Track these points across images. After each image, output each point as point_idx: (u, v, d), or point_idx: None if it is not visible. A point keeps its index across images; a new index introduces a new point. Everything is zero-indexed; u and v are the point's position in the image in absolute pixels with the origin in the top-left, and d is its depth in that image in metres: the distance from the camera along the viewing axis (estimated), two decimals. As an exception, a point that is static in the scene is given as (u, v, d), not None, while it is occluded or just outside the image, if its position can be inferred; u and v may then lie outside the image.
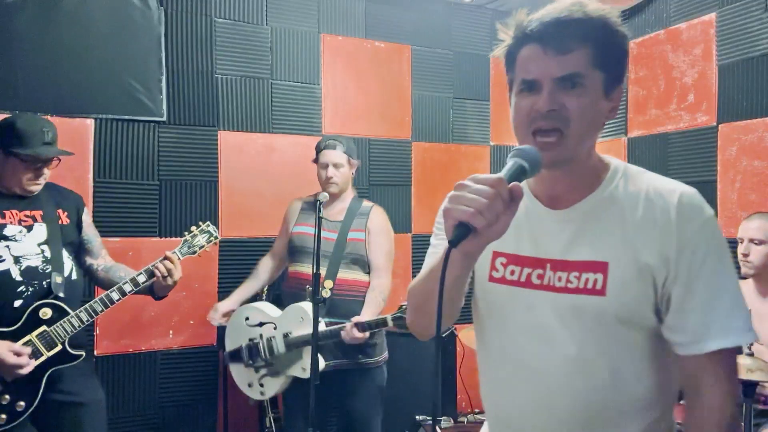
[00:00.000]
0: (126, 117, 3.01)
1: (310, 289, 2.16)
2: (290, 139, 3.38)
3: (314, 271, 2.04)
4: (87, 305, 2.05)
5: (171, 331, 3.12)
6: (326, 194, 2.37)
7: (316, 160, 2.61)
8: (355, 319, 2.34)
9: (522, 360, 1.04)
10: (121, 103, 2.99)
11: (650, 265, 0.95)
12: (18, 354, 1.91)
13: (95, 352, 2.91)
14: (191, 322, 3.16)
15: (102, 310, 2.07)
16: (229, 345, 2.65)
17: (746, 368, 1.78)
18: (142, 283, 2.12)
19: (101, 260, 2.28)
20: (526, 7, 1.03)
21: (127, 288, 2.10)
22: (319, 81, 3.46)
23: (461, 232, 0.82)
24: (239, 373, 2.62)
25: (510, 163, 0.89)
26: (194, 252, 2.28)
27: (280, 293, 2.78)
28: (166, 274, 2.10)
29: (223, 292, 3.23)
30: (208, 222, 2.36)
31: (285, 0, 3.37)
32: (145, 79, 3.03)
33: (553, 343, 1.00)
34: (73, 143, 2.78)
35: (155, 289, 2.17)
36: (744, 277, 2.50)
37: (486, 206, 0.81)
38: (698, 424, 0.98)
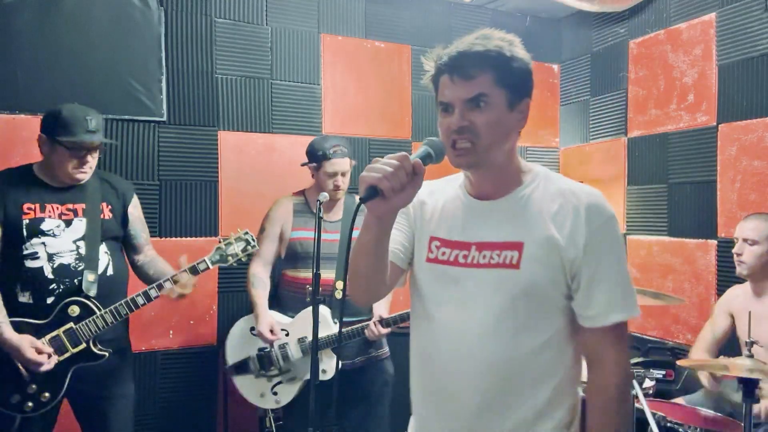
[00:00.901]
0: (126, 117, 3.01)
1: (310, 289, 2.16)
2: (290, 139, 3.37)
3: (314, 271, 2.04)
4: (113, 307, 2.08)
5: (171, 331, 3.12)
6: (326, 194, 2.36)
7: (315, 167, 2.52)
8: (378, 315, 2.38)
9: (446, 326, 1.23)
10: (121, 103, 2.99)
11: (560, 246, 1.15)
12: (39, 351, 1.96)
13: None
14: (191, 322, 3.16)
15: (126, 313, 2.10)
16: (233, 358, 2.60)
17: (746, 369, 1.78)
18: (154, 297, 2.14)
19: (142, 256, 2.30)
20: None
21: (140, 301, 2.12)
22: (319, 81, 3.46)
23: (369, 193, 1.04)
24: (248, 385, 2.57)
25: (420, 149, 1.12)
26: (226, 261, 2.23)
27: (276, 299, 2.70)
28: (174, 296, 2.14)
29: (223, 292, 3.23)
30: (247, 230, 2.30)
31: (285, 0, 3.37)
32: (145, 79, 3.03)
33: (473, 311, 1.20)
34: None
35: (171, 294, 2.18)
36: (739, 279, 2.50)
37: (391, 173, 1.03)
38: (602, 383, 1.19)
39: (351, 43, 3.54)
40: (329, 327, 2.45)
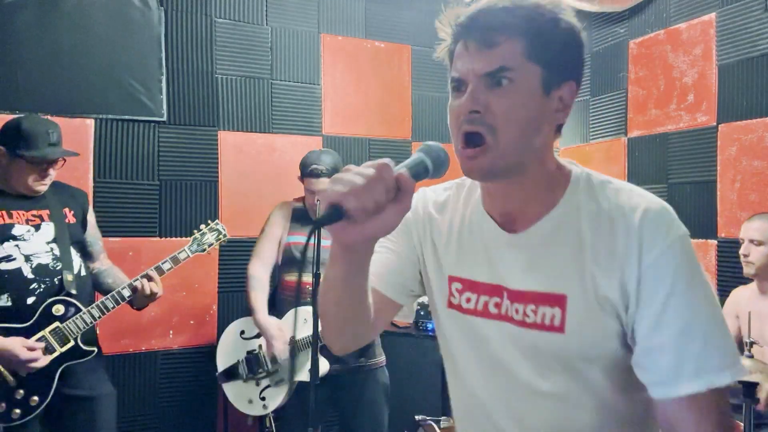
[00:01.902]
0: (126, 117, 3.01)
1: (311, 289, 2.16)
2: (290, 139, 3.38)
3: (315, 270, 2.04)
4: (99, 301, 2.09)
5: (171, 331, 3.12)
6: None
7: (302, 179, 2.52)
8: None
9: (480, 397, 0.97)
10: (121, 103, 2.99)
11: (610, 298, 0.84)
12: (31, 349, 1.94)
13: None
14: (191, 322, 3.17)
15: (113, 307, 2.12)
16: (222, 364, 2.58)
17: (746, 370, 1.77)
18: (127, 297, 2.15)
19: (98, 263, 2.31)
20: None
21: (109, 305, 2.12)
22: (319, 81, 3.46)
23: (329, 214, 0.73)
24: (236, 392, 2.55)
25: (413, 157, 0.81)
26: (203, 250, 2.35)
27: (273, 303, 2.65)
28: (148, 292, 2.13)
29: (223, 293, 3.24)
30: (217, 220, 2.44)
31: (285, 0, 3.37)
32: (145, 79, 3.03)
33: (510, 377, 0.92)
34: (73, 143, 2.77)
35: (134, 301, 2.18)
36: (742, 279, 2.50)
37: (361, 188, 0.72)
38: None
39: (351, 43, 3.54)
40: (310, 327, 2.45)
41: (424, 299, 2.11)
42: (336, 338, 1.01)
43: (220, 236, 2.41)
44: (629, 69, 3.63)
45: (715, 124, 3.10)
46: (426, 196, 1.04)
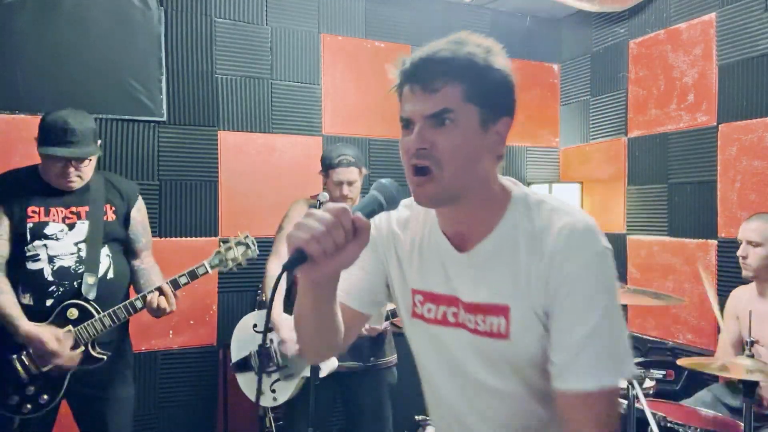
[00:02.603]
0: (126, 117, 3.01)
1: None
2: (290, 139, 3.38)
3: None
4: (111, 310, 2.07)
5: (171, 331, 3.12)
6: (326, 194, 2.36)
7: (324, 174, 2.52)
8: None
9: (444, 396, 1.08)
10: (121, 103, 2.99)
11: (543, 307, 0.95)
12: (59, 341, 1.96)
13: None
14: (191, 322, 3.17)
15: (125, 317, 2.09)
16: (236, 355, 2.61)
17: (746, 369, 1.78)
18: (139, 308, 2.09)
19: (138, 261, 2.25)
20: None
21: (139, 305, 2.10)
22: (319, 81, 3.46)
23: (295, 258, 0.84)
24: (248, 382, 2.58)
25: (368, 197, 0.93)
26: (227, 266, 2.17)
27: (288, 298, 2.63)
28: (155, 306, 2.06)
29: (223, 293, 3.23)
30: (247, 233, 2.23)
31: (285, 0, 3.37)
32: (145, 79, 3.03)
33: (469, 378, 1.03)
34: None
35: (148, 312, 2.12)
36: (741, 279, 2.49)
37: (322, 234, 0.83)
38: None
39: (351, 43, 3.54)
40: None
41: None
42: (315, 354, 1.17)
43: (248, 251, 2.18)
44: (629, 69, 3.63)
45: (715, 124, 3.10)
46: (389, 214, 1.12)
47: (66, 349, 1.98)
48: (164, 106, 3.08)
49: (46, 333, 1.95)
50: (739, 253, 2.35)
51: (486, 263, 1.00)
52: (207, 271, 2.16)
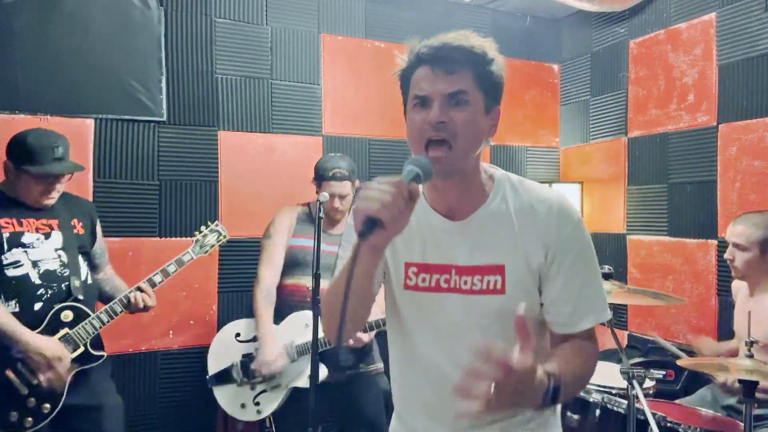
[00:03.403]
0: (126, 117, 3.01)
1: (309, 291, 2.16)
2: (290, 139, 3.38)
3: (314, 271, 2.04)
4: (107, 306, 2.10)
5: (171, 331, 3.12)
6: (326, 194, 2.35)
7: (317, 184, 2.51)
8: None
9: (431, 360, 1.18)
10: (121, 103, 2.99)
11: (537, 265, 1.13)
12: (63, 354, 1.98)
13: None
14: (191, 322, 3.16)
15: (122, 311, 2.13)
16: (215, 366, 2.54)
17: (745, 369, 1.77)
18: (119, 312, 2.14)
19: (102, 274, 2.32)
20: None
21: (117, 309, 2.14)
22: (319, 81, 3.46)
23: (370, 225, 0.93)
24: (228, 396, 2.49)
25: (407, 170, 1.01)
26: (206, 252, 2.36)
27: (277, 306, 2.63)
28: (141, 305, 2.14)
29: (223, 293, 3.23)
30: (217, 222, 2.45)
31: (285, 0, 3.37)
32: (145, 79, 3.03)
33: (462, 339, 1.14)
34: (73, 143, 2.76)
35: (129, 310, 2.18)
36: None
37: (390, 202, 0.94)
38: (572, 349, 1.14)
39: (351, 43, 3.54)
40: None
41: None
42: (350, 332, 1.25)
43: (221, 237, 2.42)
44: (629, 69, 3.63)
45: (715, 124, 3.10)
46: None
47: (67, 354, 1.98)
48: (164, 106, 3.08)
49: (51, 344, 1.95)
50: (726, 256, 2.33)
51: (481, 229, 1.15)
52: (192, 258, 2.33)
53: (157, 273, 2.22)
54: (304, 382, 2.33)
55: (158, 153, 3.09)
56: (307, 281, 2.47)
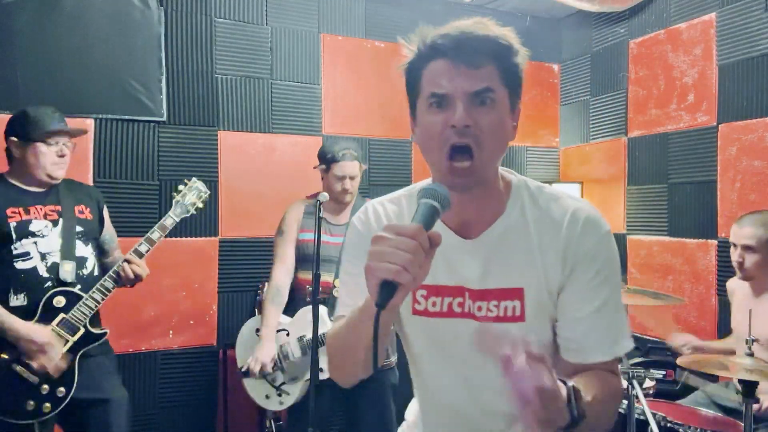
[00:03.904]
0: (126, 117, 3.01)
1: (310, 289, 2.15)
2: (290, 139, 3.38)
3: (314, 271, 2.04)
4: (98, 284, 2.08)
5: (171, 331, 3.12)
6: (326, 194, 2.34)
7: (324, 169, 2.49)
8: None
9: (448, 400, 1.06)
10: (121, 103, 2.99)
11: (558, 282, 0.98)
12: (51, 340, 1.97)
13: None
14: (191, 322, 3.16)
15: (114, 287, 2.11)
16: (242, 360, 2.59)
17: (745, 368, 1.78)
18: (112, 288, 2.12)
19: (110, 259, 2.31)
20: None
21: (108, 285, 2.12)
22: (319, 81, 3.46)
23: (388, 292, 0.79)
24: (254, 387, 2.55)
25: (423, 207, 0.86)
26: (188, 211, 2.29)
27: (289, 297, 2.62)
28: (132, 275, 2.12)
29: (223, 293, 3.23)
30: (194, 178, 2.36)
31: (285, 0, 3.37)
32: (145, 79, 3.03)
33: (478, 370, 1.00)
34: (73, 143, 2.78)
35: (121, 283, 2.16)
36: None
37: (410, 261, 0.78)
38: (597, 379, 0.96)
39: (351, 43, 3.54)
40: (327, 326, 2.44)
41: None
42: (353, 377, 1.06)
43: (201, 194, 2.33)
44: (629, 69, 3.63)
45: (715, 124, 3.10)
46: (377, 211, 1.09)
47: (57, 349, 1.98)
48: (164, 106, 3.08)
49: (35, 328, 1.95)
50: (736, 259, 2.31)
51: (495, 248, 0.99)
52: (175, 221, 2.25)
53: (142, 242, 2.17)
54: (323, 374, 2.32)
55: (158, 153, 3.09)
56: (307, 275, 2.47)
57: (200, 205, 2.33)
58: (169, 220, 2.24)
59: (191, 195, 2.31)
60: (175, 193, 2.32)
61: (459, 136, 0.91)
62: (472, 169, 0.93)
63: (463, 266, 1.01)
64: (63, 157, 2.08)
